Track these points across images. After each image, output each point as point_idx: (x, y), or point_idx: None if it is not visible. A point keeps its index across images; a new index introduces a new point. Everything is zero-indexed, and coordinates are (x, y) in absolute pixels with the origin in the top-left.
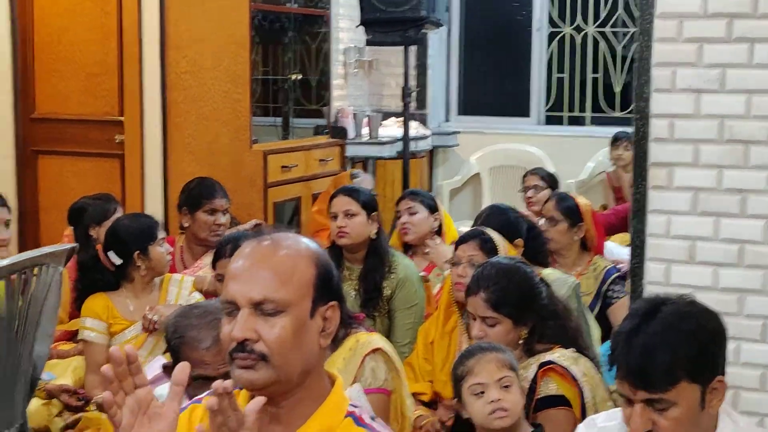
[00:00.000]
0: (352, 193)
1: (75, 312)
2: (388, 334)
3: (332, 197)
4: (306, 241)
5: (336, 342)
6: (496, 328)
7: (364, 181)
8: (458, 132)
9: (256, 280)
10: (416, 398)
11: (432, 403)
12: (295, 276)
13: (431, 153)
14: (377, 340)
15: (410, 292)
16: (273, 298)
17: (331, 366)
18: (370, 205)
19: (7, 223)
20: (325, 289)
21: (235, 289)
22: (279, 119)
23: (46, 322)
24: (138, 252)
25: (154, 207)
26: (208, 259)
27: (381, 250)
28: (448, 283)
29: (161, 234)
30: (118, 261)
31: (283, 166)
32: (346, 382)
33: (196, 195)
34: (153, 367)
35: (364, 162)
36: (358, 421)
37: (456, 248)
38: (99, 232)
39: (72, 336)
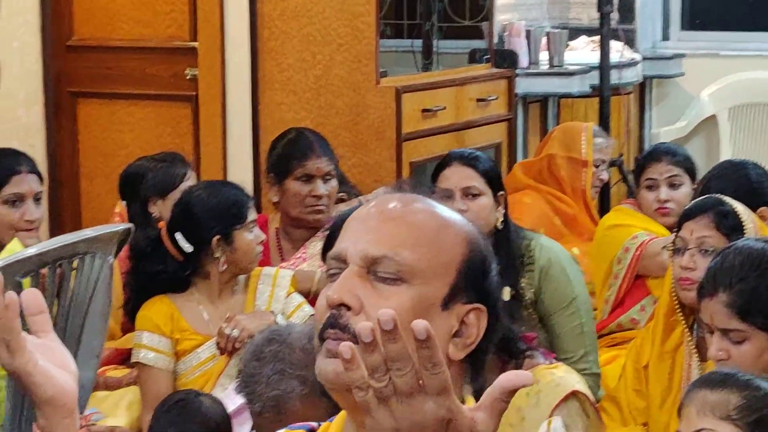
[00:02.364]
0: (472, 161)
1: (130, 322)
2: (550, 350)
3: (441, 166)
4: (463, 218)
5: None
6: (744, 347)
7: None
8: (682, 55)
9: (377, 232)
10: None
11: None
12: (437, 243)
13: (642, 87)
14: (567, 377)
15: (562, 283)
16: (396, 258)
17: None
18: (496, 181)
19: (37, 198)
20: (474, 282)
21: (346, 239)
22: (418, 42)
23: (91, 337)
24: (218, 237)
25: (239, 172)
26: (315, 246)
27: (512, 243)
28: (668, 280)
29: (252, 214)
30: (189, 248)
31: (424, 110)
32: None
33: (284, 155)
34: (232, 397)
35: (542, 100)
36: None
37: (679, 227)
38: (162, 209)
39: (126, 357)
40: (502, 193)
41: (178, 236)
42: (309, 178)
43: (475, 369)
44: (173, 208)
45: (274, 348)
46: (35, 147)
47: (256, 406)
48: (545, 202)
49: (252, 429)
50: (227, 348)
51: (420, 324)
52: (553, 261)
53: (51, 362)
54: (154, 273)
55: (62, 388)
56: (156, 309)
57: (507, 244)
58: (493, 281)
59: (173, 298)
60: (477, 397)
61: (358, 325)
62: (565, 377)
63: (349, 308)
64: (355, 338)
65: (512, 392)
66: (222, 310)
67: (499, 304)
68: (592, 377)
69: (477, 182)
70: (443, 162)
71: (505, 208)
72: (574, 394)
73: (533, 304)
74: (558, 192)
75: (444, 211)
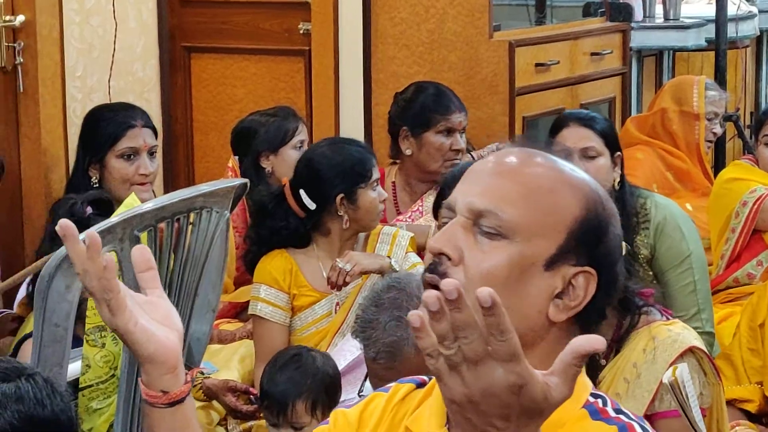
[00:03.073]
0: (590, 122)
1: (244, 277)
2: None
3: (558, 126)
4: (588, 177)
5: (620, 336)
6: None
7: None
8: None
9: (487, 185)
10: (737, 408)
11: (762, 416)
12: (547, 202)
13: (759, 40)
14: (685, 334)
15: (676, 239)
16: (499, 213)
17: (617, 376)
18: (613, 141)
19: (152, 152)
20: (587, 245)
21: (458, 190)
22: None
23: (208, 291)
24: (341, 196)
25: (351, 126)
26: (431, 200)
27: (628, 203)
28: None
29: (375, 172)
30: (312, 205)
31: (537, 64)
32: (641, 400)
33: (425, 108)
34: (344, 354)
35: (657, 54)
36: (597, 413)
37: None
38: (274, 163)
39: (240, 311)
40: (619, 153)
41: (302, 193)
42: (450, 132)
43: (585, 330)
44: (297, 165)
45: (392, 295)
46: (150, 101)
47: (371, 352)
48: (658, 158)
49: (366, 376)
50: (338, 282)
51: (484, 292)
52: (669, 219)
53: (155, 319)
54: (276, 228)
55: (163, 345)
56: (275, 263)
57: (623, 203)
58: (611, 245)
59: (293, 253)
60: (593, 355)
61: (425, 293)
62: (683, 333)
63: (449, 258)
64: None
65: (584, 356)
66: None
67: (618, 268)
68: (704, 336)
69: (595, 143)
70: (559, 122)
71: (622, 168)
72: (692, 351)
73: (648, 262)
74: (671, 147)
75: (565, 168)
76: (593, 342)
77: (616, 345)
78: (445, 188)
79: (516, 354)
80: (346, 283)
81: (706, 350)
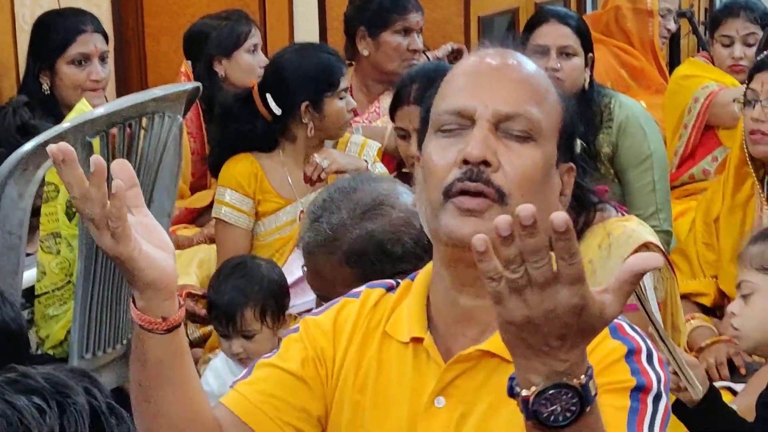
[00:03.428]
0: (569, 20)
1: (200, 182)
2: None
3: (536, 22)
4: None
5: (576, 233)
6: None
7: None
8: None
9: (506, 88)
10: (692, 301)
11: (716, 309)
12: (550, 100)
13: None
14: (640, 230)
15: (638, 139)
16: (527, 116)
17: None
18: (588, 42)
19: (103, 58)
20: (568, 142)
21: (471, 95)
22: None
23: (163, 196)
24: (307, 104)
25: (305, 29)
26: (387, 101)
27: (594, 104)
28: (738, 133)
29: (344, 81)
30: (277, 111)
31: None
32: None
33: (383, 8)
34: (294, 267)
35: None
36: (617, 331)
37: (749, 80)
38: (228, 68)
39: (196, 216)
40: (591, 55)
41: (268, 97)
42: (408, 32)
43: None
44: (266, 67)
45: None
46: (100, 6)
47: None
48: (612, 56)
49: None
50: (313, 177)
51: (560, 217)
52: (631, 118)
53: (150, 243)
54: (243, 131)
55: (164, 271)
56: (241, 167)
57: (589, 102)
58: (577, 140)
59: (259, 157)
60: None
61: (497, 218)
62: (637, 229)
63: (488, 165)
64: (498, 192)
65: (641, 275)
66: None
67: (579, 159)
68: (662, 234)
69: (573, 41)
70: (539, 18)
71: (591, 69)
72: (646, 246)
73: (610, 160)
74: (625, 44)
75: (541, 69)
76: (650, 261)
77: None
78: (401, 89)
79: (582, 276)
80: (321, 179)
81: (660, 245)
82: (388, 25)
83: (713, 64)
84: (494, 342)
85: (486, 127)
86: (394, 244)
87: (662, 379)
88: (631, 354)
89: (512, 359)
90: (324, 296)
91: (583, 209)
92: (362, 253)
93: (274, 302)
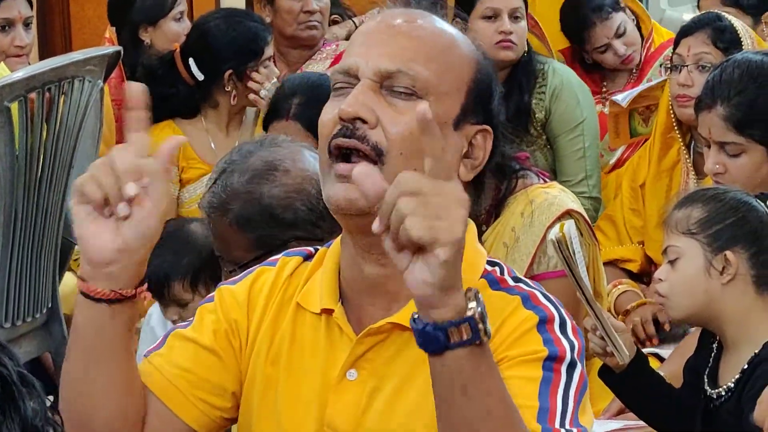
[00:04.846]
0: None
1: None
2: (553, 173)
3: None
4: (468, 38)
5: (498, 201)
6: (741, 159)
7: None
8: None
9: (389, 46)
10: (620, 267)
11: (643, 275)
12: (447, 60)
13: None
14: (562, 197)
15: (570, 105)
16: (410, 72)
17: (497, 241)
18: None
19: (27, 23)
20: (482, 104)
21: (355, 54)
22: None
23: (84, 161)
24: (231, 72)
25: None
26: (312, 69)
27: (532, 64)
28: (665, 98)
29: (269, 50)
30: (200, 76)
31: None
32: (520, 264)
33: None
34: None
35: None
36: (497, 282)
37: (675, 46)
38: (154, 36)
39: None
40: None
41: (191, 62)
42: None
43: (477, 192)
44: (190, 32)
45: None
46: None
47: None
48: None
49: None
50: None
51: (421, 109)
52: (565, 84)
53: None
54: (165, 95)
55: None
56: (163, 135)
57: (530, 63)
58: (498, 105)
59: (181, 124)
60: (475, 220)
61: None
62: (560, 196)
63: (364, 122)
64: (374, 149)
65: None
66: (230, 140)
67: (500, 126)
68: (590, 201)
69: (520, 4)
70: None
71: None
72: (569, 213)
73: (543, 126)
74: None
75: (450, 28)
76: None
77: (494, 210)
78: (280, 101)
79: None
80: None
81: (583, 212)
82: None
83: None
84: (404, 314)
85: (367, 84)
86: (285, 209)
87: (576, 347)
88: (543, 323)
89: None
90: (225, 260)
91: (505, 176)
92: (249, 217)
93: (208, 270)
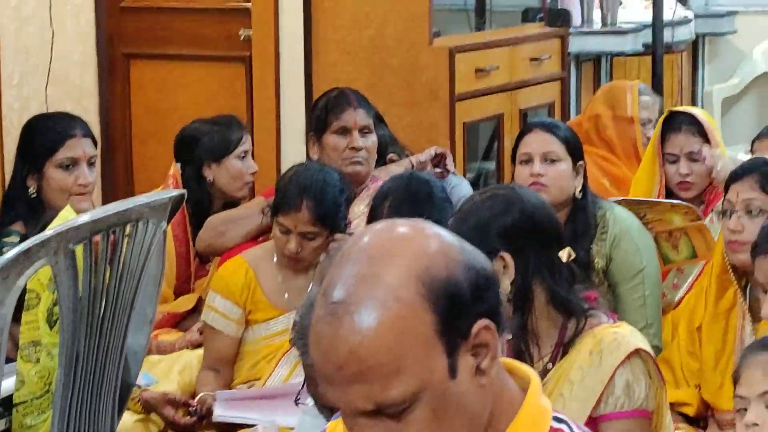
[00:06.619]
0: (552, 128)
1: (184, 286)
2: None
3: (522, 133)
4: (406, 260)
5: (567, 339)
6: None
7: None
8: (735, 12)
9: (352, 389)
10: (676, 411)
11: (700, 419)
12: (408, 350)
13: (695, 44)
14: (631, 336)
15: (630, 253)
16: (390, 401)
17: (562, 378)
18: (576, 150)
19: (91, 162)
20: (461, 318)
21: (332, 397)
22: (471, 0)
23: (145, 303)
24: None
25: (293, 133)
26: (357, 206)
27: (589, 212)
28: (719, 244)
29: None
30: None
31: (477, 70)
32: (585, 403)
33: (322, 111)
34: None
35: (595, 59)
36: None
37: (726, 190)
38: (217, 173)
39: (179, 320)
40: (581, 162)
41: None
42: (346, 131)
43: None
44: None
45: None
46: (88, 110)
47: (308, 359)
48: (593, 165)
49: (304, 382)
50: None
51: None
52: (625, 231)
53: None
54: None
55: None
56: (234, 274)
57: (585, 212)
58: (482, 282)
59: (251, 259)
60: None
61: None
62: (628, 336)
63: None
64: None
65: None
66: (301, 284)
67: (501, 308)
68: (652, 349)
69: (556, 147)
70: (523, 130)
71: (584, 178)
72: (637, 353)
73: (604, 273)
74: (607, 153)
75: (383, 289)
76: None
77: (562, 348)
78: (375, 208)
79: None
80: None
81: (652, 353)
82: (328, 127)
83: None
84: None
85: (362, 421)
86: None
87: None
88: None
89: None
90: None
91: (572, 315)
92: None
93: None
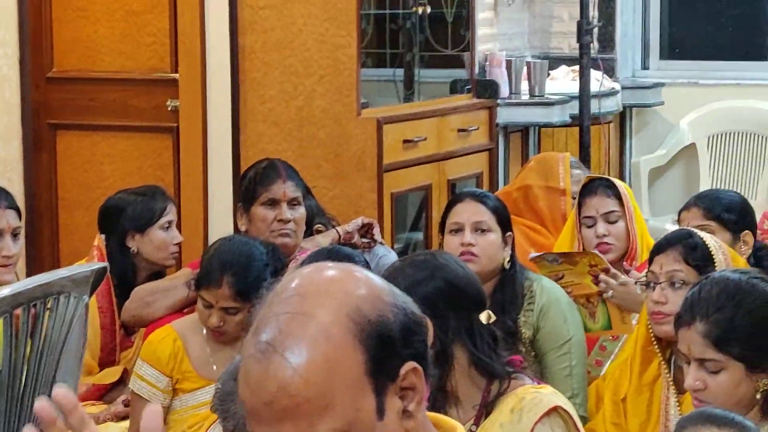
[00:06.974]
0: (483, 198)
1: (109, 357)
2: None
3: (452, 202)
4: (337, 300)
5: (488, 401)
6: (721, 376)
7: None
8: (662, 84)
9: (281, 426)
10: None
11: None
12: (337, 387)
13: (622, 116)
14: (551, 395)
15: (558, 322)
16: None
17: None
18: (505, 221)
19: (15, 233)
20: (390, 358)
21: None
22: (399, 71)
23: (66, 377)
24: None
25: (220, 204)
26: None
27: (517, 283)
28: (643, 315)
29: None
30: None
31: (405, 141)
32: None
33: (250, 182)
34: None
35: (523, 130)
36: None
37: (650, 262)
38: (141, 244)
39: (104, 393)
40: (510, 233)
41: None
42: (274, 203)
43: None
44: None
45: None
46: (13, 181)
47: (229, 425)
48: (520, 234)
49: None
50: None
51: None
52: (553, 302)
53: None
54: None
55: None
56: (162, 343)
57: (512, 282)
58: (409, 326)
59: (181, 329)
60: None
61: None
62: (550, 395)
63: None
64: None
65: None
66: (228, 354)
67: (428, 354)
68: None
69: (487, 218)
70: (454, 199)
71: (512, 248)
72: (556, 410)
73: (531, 343)
74: (534, 224)
75: (315, 326)
76: None
77: (485, 409)
78: None
79: None
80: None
81: (573, 412)
82: (255, 198)
83: None
84: None
85: None
86: None
87: None
88: None
89: None
90: None
91: (494, 377)
92: None
93: None
